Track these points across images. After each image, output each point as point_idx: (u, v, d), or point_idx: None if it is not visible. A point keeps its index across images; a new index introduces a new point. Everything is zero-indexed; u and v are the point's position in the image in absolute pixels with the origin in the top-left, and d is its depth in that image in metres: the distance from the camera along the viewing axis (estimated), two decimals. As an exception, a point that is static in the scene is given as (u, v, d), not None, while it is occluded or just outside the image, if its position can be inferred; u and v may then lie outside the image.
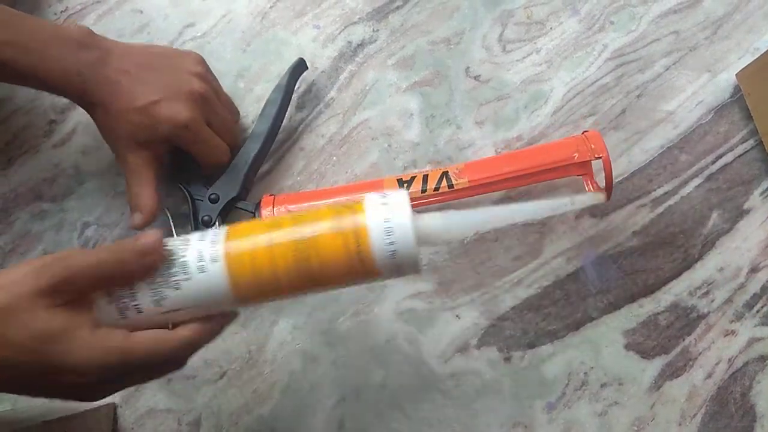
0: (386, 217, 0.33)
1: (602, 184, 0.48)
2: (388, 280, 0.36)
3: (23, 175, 0.57)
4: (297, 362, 0.53)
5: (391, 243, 0.33)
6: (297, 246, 0.33)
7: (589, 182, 0.52)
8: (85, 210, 0.56)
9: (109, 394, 0.35)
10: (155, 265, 0.34)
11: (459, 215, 0.35)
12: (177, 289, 0.34)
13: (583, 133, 0.49)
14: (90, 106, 0.47)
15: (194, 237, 0.35)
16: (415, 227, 0.33)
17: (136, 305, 0.34)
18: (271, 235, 0.34)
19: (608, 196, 0.48)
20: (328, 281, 0.34)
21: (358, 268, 0.33)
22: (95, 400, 0.35)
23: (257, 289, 0.34)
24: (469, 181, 0.49)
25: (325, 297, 0.54)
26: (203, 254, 0.34)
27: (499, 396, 0.51)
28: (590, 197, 0.37)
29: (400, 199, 0.34)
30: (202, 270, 0.33)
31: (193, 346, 0.35)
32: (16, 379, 0.31)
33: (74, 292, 0.32)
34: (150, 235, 0.33)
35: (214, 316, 0.36)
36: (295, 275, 0.33)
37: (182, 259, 0.34)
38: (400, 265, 0.34)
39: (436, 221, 0.35)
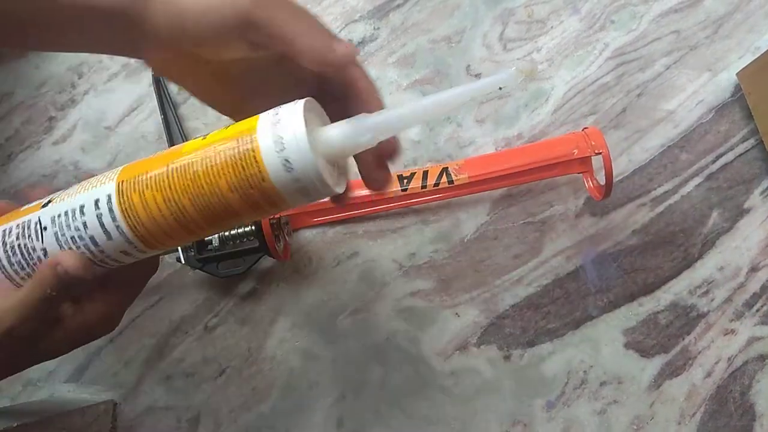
0: (273, 121, 0.27)
1: (602, 181, 0.48)
2: (295, 203, 0.29)
3: (23, 171, 0.57)
4: (296, 360, 0.53)
5: (282, 149, 0.26)
6: (173, 151, 0.29)
7: (589, 179, 0.52)
8: (85, 207, 0.56)
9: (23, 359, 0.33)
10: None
11: (369, 118, 0.28)
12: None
13: (583, 130, 0.49)
14: None
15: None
16: (310, 134, 0.27)
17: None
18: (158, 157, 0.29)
19: (608, 193, 0.48)
20: (215, 193, 0.27)
21: (250, 179, 0.27)
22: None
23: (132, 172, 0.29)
24: (468, 177, 0.49)
25: (325, 295, 0.54)
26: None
27: (498, 394, 0.51)
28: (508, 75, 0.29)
29: (292, 107, 0.27)
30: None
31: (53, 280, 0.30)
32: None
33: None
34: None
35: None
36: (180, 184, 0.27)
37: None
38: (300, 179, 0.27)
39: (340, 127, 0.28)
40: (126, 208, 0.28)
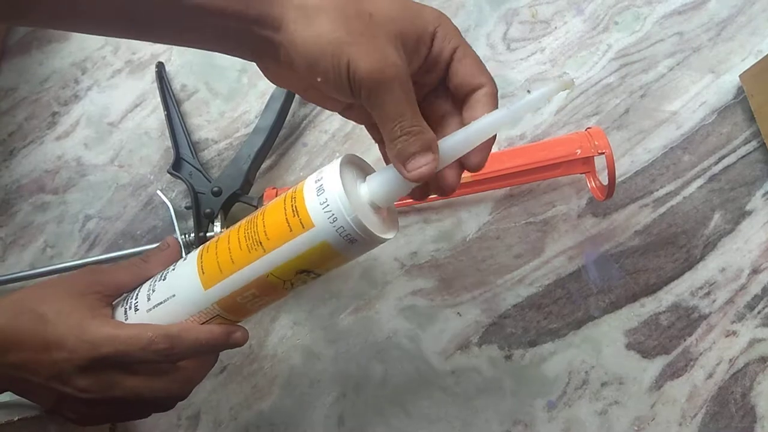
0: (317, 178, 0.32)
1: (605, 181, 0.48)
2: (351, 255, 0.33)
3: (26, 166, 0.57)
4: (297, 358, 0.53)
5: (326, 204, 0.31)
6: (246, 225, 0.35)
7: (592, 179, 0.52)
8: (87, 203, 0.56)
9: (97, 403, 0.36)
10: (174, 257, 0.40)
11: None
12: (163, 280, 0.37)
13: (586, 130, 0.49)
14: None
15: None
16: (351, 193, 0.31)
17: (134, 303, 0.37)
18: (230, 228, 0.36)
19: (611, 194, 0.48)
20: (279, 258, 0.33)
21: (302, 236, 0.32)
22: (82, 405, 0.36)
23: (216, 268, 0.35)
24: (472, 176, 0.48)
25: (327, 293, 0.54)
26: (189, 253, 0.38)
27: (499, 394, 0.51)
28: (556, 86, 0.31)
29: (332, 166, 0.31)
30: (183, 259, 0.37)
31: (173, 340, 0.35)
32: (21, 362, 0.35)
33: (109, 290, 0.38)
34: (170, 237, 0.42)
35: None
36: (245, 250, 0.34)
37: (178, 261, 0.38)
38: (352, 237, 0.31)
39: (381, 177, 0.32)
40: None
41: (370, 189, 0.32)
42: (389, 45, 0.30)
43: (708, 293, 0.52)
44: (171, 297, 0.36)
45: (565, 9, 0.58)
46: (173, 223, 0.53)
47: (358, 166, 0.33)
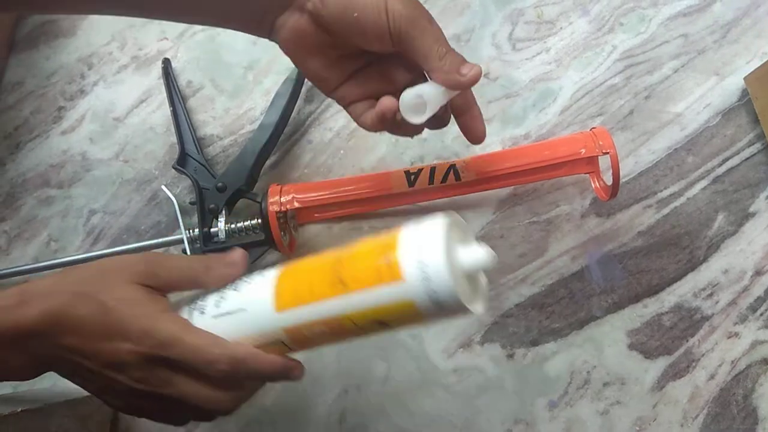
0: (417, 232, 0.31)
1: (609, 181, 0.48)
2: (431, 319, 0.32)
3: (32, 160, 0.57)
4: (299, 354, 0.52)
5: (423, 263, 0.30)
6: (333, 259, 0.34)
7: (595, 179, 0.52)
8: (92, 197, 0.57)
9: (144, 395, 0.36)
10: (236, 275, 0.38)
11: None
12: (236, 290, 0.36)
13: (591, 130, 0.49)
14: None
15: None
16: (451, 262, 0.30)
17: (202, 306, 0.36)
18: (316, 256, 0.36)
19: (615, 194, 0.48)
20: (360, 303, 0.32)
21: (394, 297, 0.31)
22: (136, 394, 0.36)
23: (294, 293, 0.34)
24: (476, 175, 0.49)
25: (330, 289, 0.54)
26: (267, 269, 0.37)
27: (501, 393, 0.51)
28: None
29: (435, 225, 0.31)
30: (260, 274, 0.36)
31: (237, 365, 0.35)
32: (84, 344, 0.35)
33: (161, 285, 0.37)
34: (238, 251, 0.39)
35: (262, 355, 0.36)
36: (327, 284, 0.33)
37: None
38: (439, 298, 0.30)
39: (480, 251, 0.31)
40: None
41: (470, 261, 0.31)
42: None
43: (711, 295, 0.52)
44: (240, 310, 0.36)
45: (570, 10, 0.58)
46: (177, 219, 0.53)
47: (460, 229, 0.32)
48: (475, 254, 0.31)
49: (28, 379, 0.37)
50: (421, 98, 0.38)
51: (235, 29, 0.40)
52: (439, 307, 0.30)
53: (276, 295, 0.35)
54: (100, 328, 0.35)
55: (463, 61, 0.37)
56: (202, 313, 0.36)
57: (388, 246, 0.32)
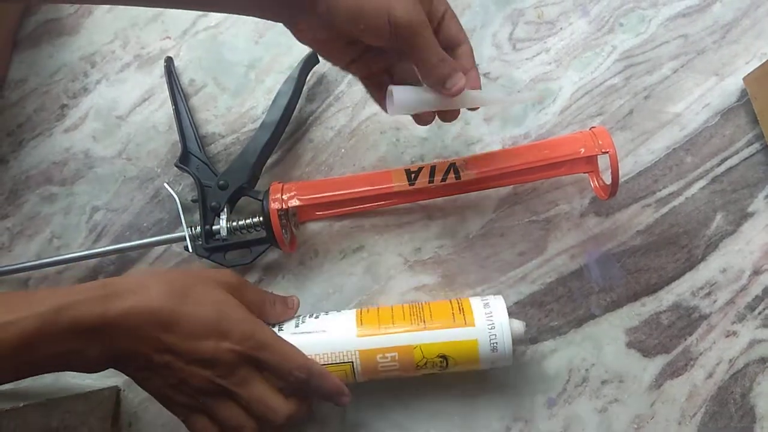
0: (483, 299, 0.47)
1: (608, 181, 0.49)
2: (483, 362, 0.46)
3: (34, 157, 0.57)
4: (300, 351, 0.53)
5: (490, 316, 0.45)
6: (411, 307, 0.47)
7: (595, 179, 0.52)
8: (95, 195, 0.57)
9: (229, 391, 0.40)
10: (291, 315, 0.48)
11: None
12: (315, 317, 0.47)
13: (590, 129, 0.50)
14: None
15: None
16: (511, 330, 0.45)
17: (279, 324, 0.47)
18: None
19: (614, 193, 0.49)
20: (432, 336, 0.45)
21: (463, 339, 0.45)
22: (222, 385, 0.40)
23: (376, 324, 0.45)
24: (476, 174, 0.49)
25: (331, 287, 0.54)
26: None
27: (500, 390, 0.51)
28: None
29: (501, 308, 0.46)
30: (337, 311, 0.48)
31: (311, 376, 0.42)
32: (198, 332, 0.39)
33: (238, 298, 0.42)
34: (295, 299, 0.49)
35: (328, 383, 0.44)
36: (408, 320, 0.45)
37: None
38: (497, 343, 0.45)
39: (520, 323, 0.47)
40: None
41: (515, 330, 0.46)
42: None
43: (709, 293, 0.53)
44: (321, 332, 0.45)
45: (570, 10, 0.59)
46: (180, 216, 0.53)
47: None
48: (517, 324, 0.46)
49: (94, 372, 0.39)
50: (408, 98, 0.42)
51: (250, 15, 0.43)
52: (494, 351, 0.44)
53: (358, 323, 0.45)
54: (199, 325, 0.38)
55: (452, 72, 0.40)
56: (281, 329, 0.46)
57: (458, 302, 0.47)
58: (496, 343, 0.44)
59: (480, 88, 0.43)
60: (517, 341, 0.45)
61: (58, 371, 0.37)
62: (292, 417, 0.42)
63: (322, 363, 0.44)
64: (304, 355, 0.42)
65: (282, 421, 0.41)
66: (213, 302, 0.40)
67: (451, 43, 0.42)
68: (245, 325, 0.40)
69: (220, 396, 0.40)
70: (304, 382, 0.42)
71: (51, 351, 0.35)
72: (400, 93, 0.41)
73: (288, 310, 0.47)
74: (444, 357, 0.44)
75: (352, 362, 0.44)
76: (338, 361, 0.44)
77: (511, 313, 0.46)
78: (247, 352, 0.39)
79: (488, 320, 0.44)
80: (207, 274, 0.42)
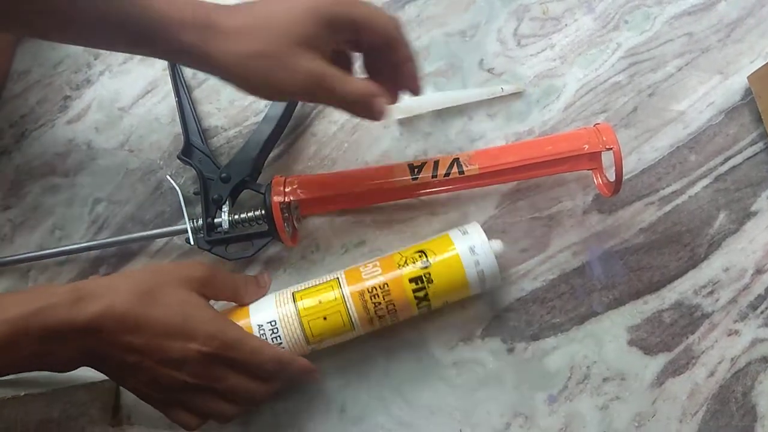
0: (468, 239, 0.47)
1: (612, 178, 0.49)
2: (470, 277, 0.46)
3: (37, 148, 0.57)
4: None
5: (466, 233, 0.47)
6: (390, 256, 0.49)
7: (598, 176, 0.52)
8: (97, 186, 0.57)
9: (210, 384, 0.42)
10: (263, 294, 0.48)
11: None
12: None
13: (594, 126, 0.49)
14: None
15: None
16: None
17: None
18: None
19: (618, 189, 0.49)
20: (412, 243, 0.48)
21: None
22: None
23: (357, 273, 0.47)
24: (479, 169, 0.49)
25: (332, 281, 0.54)
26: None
27: (501, 386, 0.51)
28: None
29: (477, 229, 0.47)
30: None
31: (281, 366, 0.43)
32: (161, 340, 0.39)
33: (210, 294, 0.43)
34: (265, 275, 0.50)
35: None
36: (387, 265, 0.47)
37: None
38: (484, 275, 0.46)
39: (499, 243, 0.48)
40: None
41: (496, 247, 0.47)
42: (302, 56, 0.38)
43: (711, 292, 0.52)
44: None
45: (575, 6, 0.58)
46: (182, 209, 0.53)
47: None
48: (497, 243, 0.47)
49: (69, 371, 0.40)
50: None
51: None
52: (476, 264, 0.46)
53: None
54: (165, 327, 0.39)
55: (369, 104, 0.42)
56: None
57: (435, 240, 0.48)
58: (478, 256, 0.45)
59: (419, 87, 0.45)
60: (498, 257, 0.46)
61: (32, 371, 0.38)
62: (271, 394, 0.43)
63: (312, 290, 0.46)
64: (272, 346, 0.43)
65: (262, 401, 0.43)
66: (179, 303, 0.40)
67: (379, 47, 0.42)
68: (211, 326, 0.40)
69: (195, 391, 0.41)
70: (276, 373, 0.43)
71: (23, 353, 0.36)
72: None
73: (260, 290, 0.48)
74: (422, 252, 0.46)
75: (338, 278, 0.46)
76: (325, 281, 0.47)
77: (491, 238, 0.47)
78: (215, 352, 0.40)
79: (466, 240, 0.46)
80: (176, 272, 0.42)
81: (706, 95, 0.56)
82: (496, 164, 0.49)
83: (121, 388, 0.52)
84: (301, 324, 0.45)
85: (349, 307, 0.45)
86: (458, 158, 0.50)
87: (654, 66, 0.57)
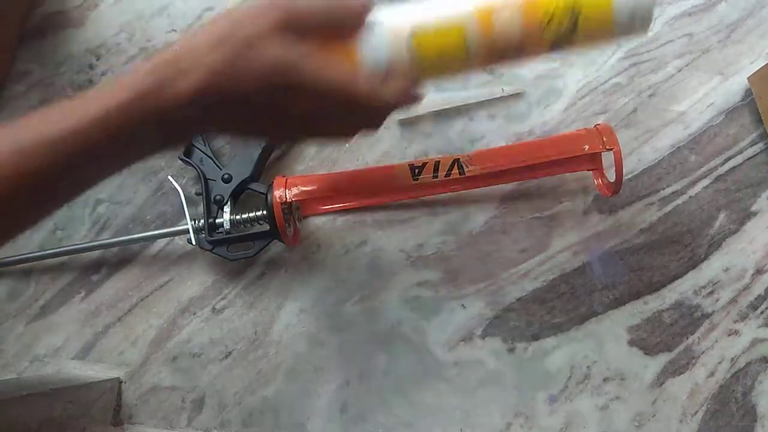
0: None
1: (612, 178, 0.49)
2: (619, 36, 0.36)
3: (39, 149, 0.57)
4: (302, 345, 0.53)
5: None
6: None
7: (599, 176, 0.52)
8: (98, 187, 0.56)
9: (328, 135, 0.38)
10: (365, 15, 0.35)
11: None
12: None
13: (595, 127, 0.50)
14: None
15: None
16: None
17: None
18: None
19: (618, 190, 0.49)
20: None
21: None
22: (317, 135, 0.38)
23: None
24: (480, 170, 0.49)
25: (333, 282, 0.54)
26: None
27: (501, 386, 0.51)
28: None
29: None
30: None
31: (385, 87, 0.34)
32: (257, 110, 0.34)
33: (302, 30, 0.33)
34: None
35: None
36: None
37: None
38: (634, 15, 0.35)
39: None
40: None
41: None
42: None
43: (711, 292, 0.53)
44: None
45: (576, 8, 0.59)
46: (183, 209, 0.53)
47: None
48: None
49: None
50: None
51: None
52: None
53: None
54: (269, 95, 0.33)
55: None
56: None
57: None
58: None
59: None
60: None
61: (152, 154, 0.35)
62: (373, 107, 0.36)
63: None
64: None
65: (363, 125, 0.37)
66: (274, 57, 0.32)
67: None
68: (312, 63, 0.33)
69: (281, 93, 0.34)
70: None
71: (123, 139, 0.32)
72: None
73: (363, 11, 0.36)
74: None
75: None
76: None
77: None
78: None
79: None
80: (254, 16, 0.33)
81: (707, 96, 0.56)
82: (496, 165, 0.49)
83: (122, 388, 0.53)
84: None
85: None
86: (459, 159, 0.50)
87: (654, 67, 0.57)
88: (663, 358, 0.51)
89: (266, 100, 0.33)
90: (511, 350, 0.52)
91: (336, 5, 0.35)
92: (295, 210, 0.53)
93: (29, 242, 0.56)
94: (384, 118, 0.37)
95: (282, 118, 0.35)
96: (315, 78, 0.33)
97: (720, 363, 0.51)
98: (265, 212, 0.50)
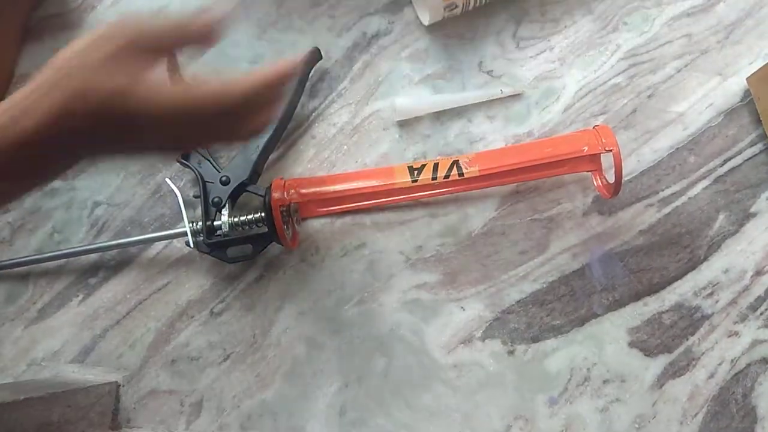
0: None
1: (612, 179, 0.49)
2: None
3: (36, 151, 0.57)
4: (301, 348, 0.53)
5: None
6: None
7: (598, 177, 0.52)
8: (96, 189, 0.57)
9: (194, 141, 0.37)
10: (215, 34, 0.36)
11: None
12: None
13: (594, 127, 0.49)
14: None
15: None
16: None
17: None
18: None
19: (617, 191, 0.49)
20: None
21: None
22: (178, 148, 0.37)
23: None
24: (479, 171, 0.49)
25: (332, 284, 0.54)
26: None
27: (501, 388, 0.51)
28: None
29: None
30: None
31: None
32: (102, 133, 0.32)
33: (144, 51, 0.33)
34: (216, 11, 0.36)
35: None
36: None
37: None
38: None
39: None
40: None
41: None
42: None
43: (711, 294, 0.52)
44: None
45: (574, 8, 0.58)
46: (181, 211, 0.53)
47: None
48: None
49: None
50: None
51: None
52: None
53: None
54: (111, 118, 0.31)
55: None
56: None
57: None
58: None
59: None
60: None
61: None
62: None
63: None
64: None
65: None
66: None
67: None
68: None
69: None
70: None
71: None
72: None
73: (211, 30, 0.36)
74: None
75: None
76: None
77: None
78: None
79: None
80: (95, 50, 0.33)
81: (705, 97, 0.56)
82: (495, 166, 0.49)
83: (120, 392, 0.53)
84: None
85: None
86: (458, 160, 0.50)
87: (653, 67, 0.57)
88: (663, 360, 0.51)
89: (114, 129, 0.32)
90: (511, 352, 0.52)
91: (183, 25, 0.34)
92: (293, 212, 0.53)
93: (27, 245, 0.56)
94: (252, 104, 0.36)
95: (148, 138, 0.34)
96: (147, 103, 0.32)
97: (720, 364, 0.51)
98: (263, 214, 0.50)
